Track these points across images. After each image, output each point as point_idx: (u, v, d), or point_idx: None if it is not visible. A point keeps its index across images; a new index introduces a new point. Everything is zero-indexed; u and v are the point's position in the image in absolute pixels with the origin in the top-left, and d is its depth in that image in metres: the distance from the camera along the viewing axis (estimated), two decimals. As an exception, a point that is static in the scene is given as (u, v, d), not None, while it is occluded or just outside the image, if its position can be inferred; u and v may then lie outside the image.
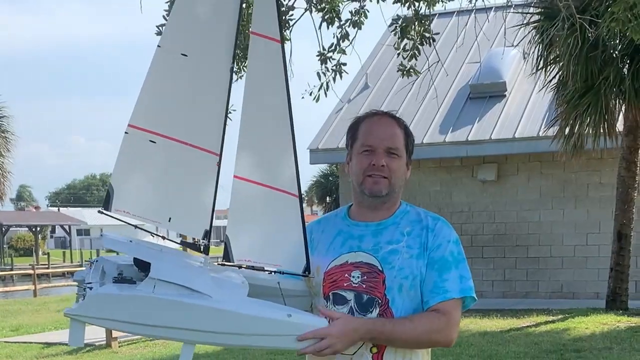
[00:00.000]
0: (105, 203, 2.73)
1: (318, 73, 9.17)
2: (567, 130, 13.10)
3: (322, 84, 9.21)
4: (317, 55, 9.13)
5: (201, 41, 2.62)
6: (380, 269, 2.88)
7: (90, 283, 2.63)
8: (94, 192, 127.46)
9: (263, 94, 2.60)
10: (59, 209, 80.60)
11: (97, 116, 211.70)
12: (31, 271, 32.74)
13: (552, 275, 15.89)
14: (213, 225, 2.75)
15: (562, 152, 13.35)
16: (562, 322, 12.32)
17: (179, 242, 2.89)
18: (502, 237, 16.11)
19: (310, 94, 9.18)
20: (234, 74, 2.66)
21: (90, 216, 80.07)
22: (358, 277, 2.90)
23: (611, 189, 13.92)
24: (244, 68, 4.68)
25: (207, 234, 2.71)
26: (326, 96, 9.30)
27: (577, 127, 12.94)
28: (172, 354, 11.68)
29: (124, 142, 2.68)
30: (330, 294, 2.93)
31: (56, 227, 71.93)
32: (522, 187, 16.13)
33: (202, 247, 2.73)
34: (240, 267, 2.71)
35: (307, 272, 2.76)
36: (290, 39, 8.89)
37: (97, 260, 2.72)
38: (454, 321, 2.90)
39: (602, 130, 12.85)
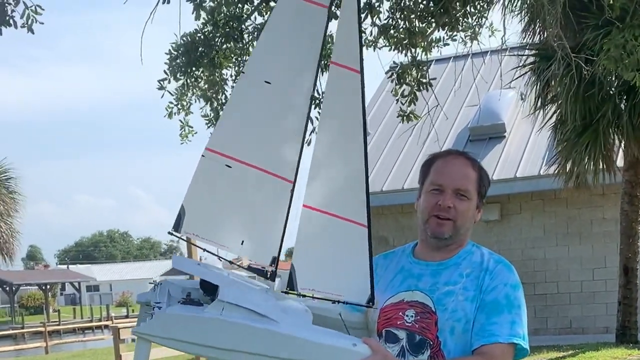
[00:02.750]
0: (176, 224, 2.72)
1: (310, 117, 9.34)
2: (567, 167, 13.21)
3: (314, 128, 9.40)
4: (312, 99, 9.32)
5: (284, 70, 2.63)
6: (434, 309, 2.80)
7: (159, 303, 2.63)
8: (102, 249, 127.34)
9: (339, 124, 2.59)
10: (68, 267, 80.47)
11: (101, 174, 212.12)
12: (42, 328, 32.75)
13: (560, 311, 15.92)
14: None
15: (564, 189, 13.48)
16: (572, 358, 12.30)
17: (246, 267, 2.84)
18: None
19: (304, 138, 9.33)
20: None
21: (99, 272, 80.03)
22: (412, 316, 2.83)
23: (615, 224, 13.96)
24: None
25: (274, 261, 2.69)
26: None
27: (577, 165, 13.03)
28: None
29: (200, 165, 2.67)
30: (383, 331, 2.87)
31: (66, 284, 71.77)
32: (526, 225, 16.23)
33: (268, 273, 2.71)
34: (304, 296, 2.67)
35: (370, 303, 2.68)
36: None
37: (161, 283, 2.71)
38: None
39: (602, 166, 12.95)
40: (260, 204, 2.68)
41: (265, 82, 2.62)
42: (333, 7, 2.67)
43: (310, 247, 2.66)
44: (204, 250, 2.80)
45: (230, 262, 2.97)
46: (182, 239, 2.73)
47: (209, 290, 2.66)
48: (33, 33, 7.09)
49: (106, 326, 41.11)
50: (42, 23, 7.10)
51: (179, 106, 9.07)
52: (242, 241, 2.70)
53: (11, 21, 7.08)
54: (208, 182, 2.69)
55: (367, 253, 2.64)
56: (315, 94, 2.94)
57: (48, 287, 60.90)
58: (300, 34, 2.62)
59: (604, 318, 15.42)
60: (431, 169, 2.95)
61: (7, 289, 56.14)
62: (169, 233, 2.76)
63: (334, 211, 2.62)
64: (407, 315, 2.85)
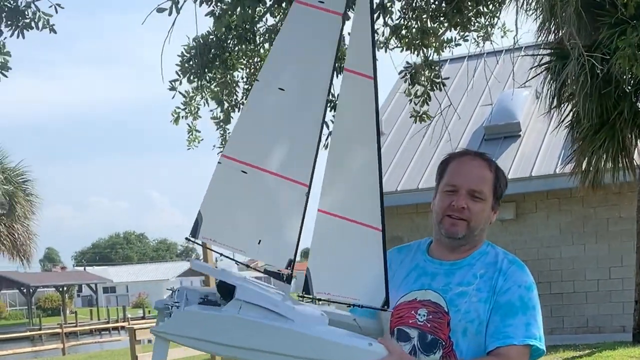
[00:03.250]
0: (193, 230, 2.75)
1: (326, 122, 9.33)
2: (584, 166, 13.16)
3: (330, 131, 9.38)
4: (327, 104, 9.30)
5: (298, 77, 2.68)
6: (446, 310, 2.81)
7: (178, 302, 2.67)
8: (119, 251, 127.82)
9: (353, 129, 2.63)
10: (84, 268, 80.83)
11: (117, 176, 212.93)
12: (59, 330, 32.90)
13: (576, 310, 15.86)
14: None
15: (579, 188, 13.43)
16: (589, 357, 12.27)
17: (262, 270, 2.86)
18: None
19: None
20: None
21: (115, 274, 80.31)
22: (424, 315, 2.84)
23: (631, 223, 13.90)
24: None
25: (290, 263, 2.72)
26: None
27: (594, 163, 12.99)
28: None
29: (216, 172, 2.72)
30: (395, 329, 2.89)
31: (82, 286, 72.09)
32: (542, 224, 16.18)
33: (284, 276, 2.74)
34: (319, 300, 2.70)
35: (385, 306, 2.69)
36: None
37: (179, 289, 2.73)
38: None
39: (619, 165, 12.91)
40: (276, 208, 2.71)
41: (279, 89, 2.66)
42: (348, 11, 2.69)
43: (326, 251, 2.68)
44: (221, 255, 2.84)
45: (247, 266, 3.03)
46: (200, 244, 2.79)
47: (226, 293, 2.68)
48: (55, 32, 7.12)
49: (122, 327, 41.28)
50: (54, 24, 7.12)
51: (186, 110, 9.05)
52: (259, 245, 2.73)
53: (32, 24, 7.11)
54: (224, 188, 2.73)
55: (381, 256, 2.66)
56: (331, 97, 2.94)
57: (65, 288, 61.18)
58: (314, 41, 2.65)
59: (621, 317, 15.36)
60: (447, 169, 2.96)
61: (25, 290, 56.44)
62: (187, 239, 2.80)
63: (349, 215, 2.65)
64: (419, 314, 2.86)
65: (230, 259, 2.89)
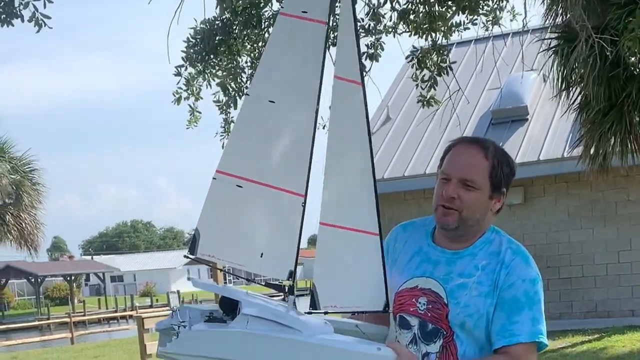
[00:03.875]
0: (191, 247, 2.76)
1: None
2: (592, 149, 13.08)
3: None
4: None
5: (287, 88, 2.69)
6: (446, 302, 2.78)
7: (184, 322, 2.66)
8: (126, 239, 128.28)
9: (346, 138, 2.64)
10: (92, 257, 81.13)
11: (124, 165, 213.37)
12: (67, 319, 32.99)
13: (585, 295, 15.80)
14: None
15: (588, 171, 13.35)
16: (598, 342, 12.26)
17: (263, 283, 2.87)
18: (533, 259, 15.97)
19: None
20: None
21: (123, 263, 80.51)
22: (424, 304, 2.81)
23: (640, 206, 13.89)
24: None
25: (291, 274, 2.72)
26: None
27: (602, 146, 12.91)
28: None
29: (212, 188, 2.72)
30: (397, 316, 2.88)
31: (90, 275, 72.30)
32: (550, 208, 16.11)
33: (286, 287, 2.73)
34: (326, 313, 2.68)
35: (387, 308, 2.69)
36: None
37: (179, 309, 2.72)
38: None
39: (627, 148, 12.83)
40: (273, 221, 2.73)
41: (270, 101, 2.68)
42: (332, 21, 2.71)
43: (330, 264, 2.69)
44: (222, 269, 2.85)
45: (247, 280, 2.99)
46: (199, 261, 2.78)
47: (229, 309, 2.69)
48: (45, 25, 7.05)
49: (130, 316, 41.40)
50: (49, 17, 7.04)
51: (188, 91, 8.99)
52: (258, 258, 2.73)
53: (19, 12, 7.04)
54: (221, 204, 2.74)
55: (380, 261, 2.66)
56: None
57: (73, 278, 61.37)
58: (300, 51, 2.67)
59: (630, 301, 15.32)
60: (446, 157, 2.91)
61: (33, 280, 56.63)
62: (185, 256, 2.81)
63: (348, 225, 2.65)
64: (419, 303, 2.84)
65: (229, 273, 2.87)
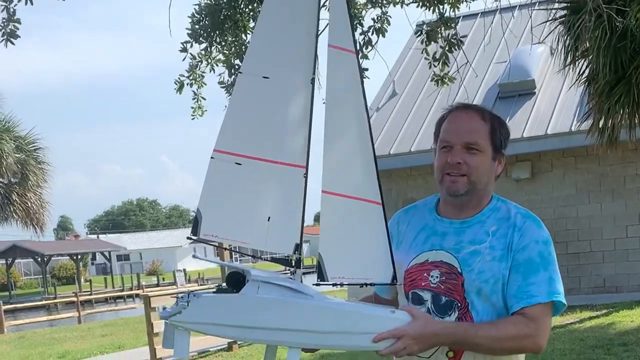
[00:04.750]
0: (194, 228, 2.74)
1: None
2: (600, 123, 12.97)
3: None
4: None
5: (280, 62, 2.69)
6: (460, 271, 2.76)
7: (193, 292, 2.65)
8: (132, 218, 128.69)
9: (343, 106, 2.65)
10: (98, 236, 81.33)
11: (128, 143, 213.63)
12: (74, 299, 33.11)
13: (593, 270, 15.75)
14: None
15: (596, 146, 13.25)
16: (606, 317, 12.22)
17: (270, 259, 2.84)
18: None
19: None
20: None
21: (129, 241, 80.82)
22: (437, 277, 2.79)
23: (648, 180, 13.80)
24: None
25: (297, 248, 2.71)
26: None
27: (610, 120, 12.81)
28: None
29: (210, 167, 2.72)
30: (409, 293, 2.85)
31: (96, 254, 72.50)
32: (558, 183, 16.02)
33: (293, 261, 2.73)
34: (334, 285, 2.69)
35: (394, 281, 2.70)
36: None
37: (182, 295, 2.69)
38: (544, 327, 2.72)
39: (636, 121, 12.72)
40: (276, 195, 2.71)
41: (264, 77, 2.68)
42: None
43: (335, 233, 2.68)
44: (228, 247, 2.84)
45: (254, 257, 2.94)
46: (202, 242, 2.75)
47: (236, 287, 2.66)
48: (32, 4, 7.08)
49: (137, 295, 41.51)
50: None
51: (190, 78, 8.89)
52: (263, 234, 2.72)
53: None
54: (221, 183, 2.73)
55: (384, 231, 2.66)
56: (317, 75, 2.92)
57: (79, 257, 61.53)
58: (292, 24, 2.68)
59: (638, 276, 15.31)
60: (442, 126, 2.90)
61: (39, 259, 56.78)
62: (188, 238, 2.80)
63: (351, 193, 2.65)
64: (431, 276, 2.81)
65: (242, 253, 2.84)
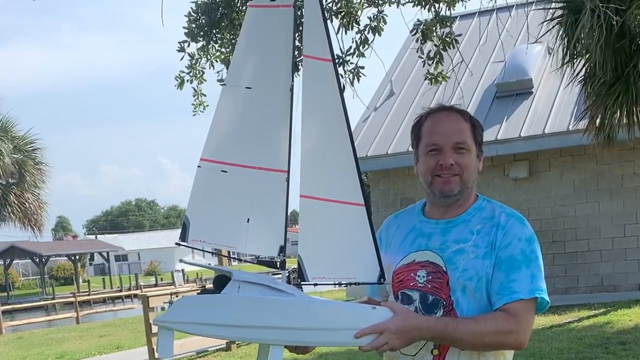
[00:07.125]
0: (182, 235, 2.81)
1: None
2: (597, 122, 12.97)
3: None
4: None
5: (262, 73, 2.74)
6: (445, 269, 2.80)
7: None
8: (130, 218, 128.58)
9: (320, 113, 2.69)
10: (96, 237, 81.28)
11: (126, 143, 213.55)
12: (73, 299, 33.06)
13: (591, 269, 15.75)
14: None
15: (593, 144, 13.24)
16: (604, 316, 12.21)
17: (255, 262, 2.90)
18: (538, 233, 15.41)
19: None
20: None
21: (127, 242, 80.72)
22: (423, 276, 2.84)
23: (646, 179, 13.80)
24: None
25: (282, 250, 2.76)
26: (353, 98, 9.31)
27: (607, 119, 12.80)
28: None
29: (198, 175, 2.79)
30: (398, 293, 2.89)
31: (94, 254, 72.44)
32: (555, 182, 16.03)
33: (278, 263, 2.77)
34: (316, 285, 2.71)
35: (382, 280, 2.69)
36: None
37: (174, 301, 2.74)
38: (525, 323, 2.73)
39: (634, 120, 12.71)
40: (260, 199, 2.78)
41: (246, 87, 2.76)
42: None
43: (314, 235, 2.72)
44: (214, 252, 2.90)
45: (239, 260, 2.99)
46: (190, 248, 2.82)
47: (221, 288, 2.69)
48: None
49: (135, 295, 41.48)
50: None
51: (190, 74, 8.88)
52: (247, 238, 2.78)
53: None
54: (208, 190, 2.80)
55: (369, 231, 2.67)
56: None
57: (77, 257, 61.47)
58: (271, 37, 2.75)
59: (636, 275, 15.30)
60: (422, 129, 2.94)
61: (37, 260, 56.77)
62: (177, 244, 2.86)
63: (330, 197, 2.69)
64: (418, 276, 2.86)
65: (223, 255, 2.87)
